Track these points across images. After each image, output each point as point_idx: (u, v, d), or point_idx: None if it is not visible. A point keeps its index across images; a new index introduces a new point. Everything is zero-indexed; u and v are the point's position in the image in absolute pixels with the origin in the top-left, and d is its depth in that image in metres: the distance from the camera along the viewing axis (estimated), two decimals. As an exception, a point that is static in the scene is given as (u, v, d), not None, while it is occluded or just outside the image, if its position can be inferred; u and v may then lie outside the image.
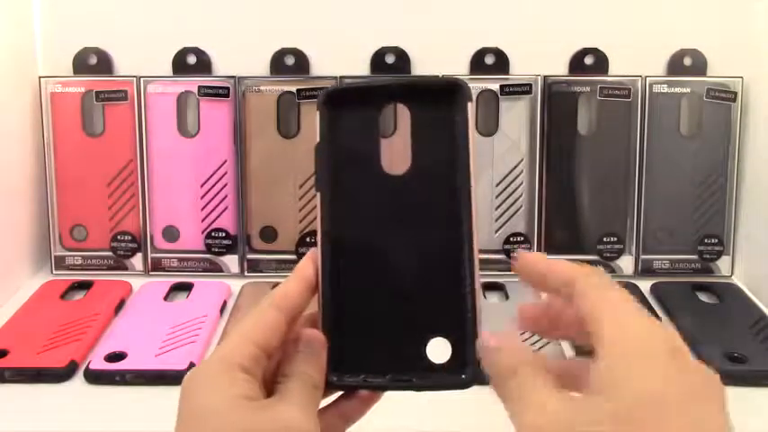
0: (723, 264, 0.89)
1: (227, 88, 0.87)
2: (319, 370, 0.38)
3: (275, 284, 0.82)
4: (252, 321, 0.38)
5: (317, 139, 0.40)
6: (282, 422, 0.35)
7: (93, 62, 0.90)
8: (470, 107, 0.39)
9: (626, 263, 0.88)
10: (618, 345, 0.32)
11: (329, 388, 0.39)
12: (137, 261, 0.89)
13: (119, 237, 0.89)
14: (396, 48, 0.89)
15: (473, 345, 0.38)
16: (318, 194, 0.40)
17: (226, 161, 0.88)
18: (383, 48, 0.89)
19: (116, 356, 0.69)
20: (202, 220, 0.89)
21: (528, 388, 0.34)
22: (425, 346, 0.39)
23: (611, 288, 0.35)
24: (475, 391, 0.38)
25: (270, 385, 0.38)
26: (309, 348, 0.38)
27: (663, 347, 0.32)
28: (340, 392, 0.40)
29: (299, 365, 0.37)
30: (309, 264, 0.40)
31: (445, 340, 0.39)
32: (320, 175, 0.40)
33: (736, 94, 0.87)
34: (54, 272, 0.89)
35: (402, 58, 0.89)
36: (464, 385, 0.38)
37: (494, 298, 0.83)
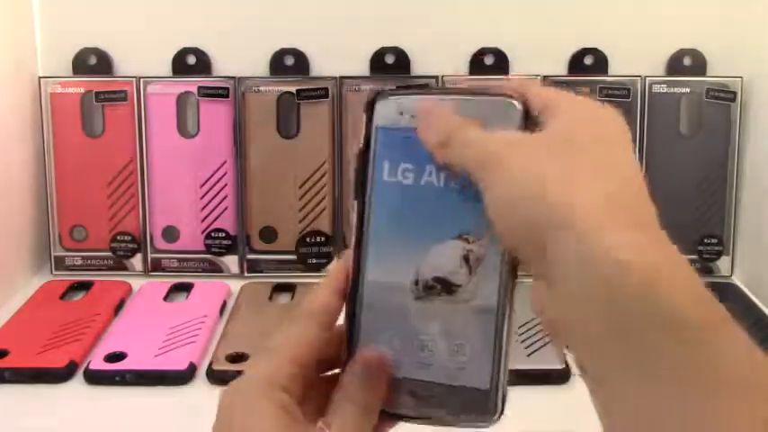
0: (723, 264, 0.89)
1: (227, 88, 0.87)
2: (377, 396, 0.36)
3: (275, 285, 0.84)
4: (296, 339, 0.36)
5: (360, 144, 0.37)
6: None
7: (92, 62, 0.90)
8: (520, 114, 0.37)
9: (626, 263, 0.88)
10: (563, 110, 0.36)
11: (392, 418, 0.37)
12: (136, 261, 0.89)
13: (118, 237, 0.88)
14: (396, 48, 0.89)
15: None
16: (356, 203, 0.37)
17: (226, 161, 0.88)
18: (383, 48, 0.89)
19: (116, 357, 0.69)
20: (202, 221, 0.89)
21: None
22: None
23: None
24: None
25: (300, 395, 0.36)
26: (368, 373, 0.36)
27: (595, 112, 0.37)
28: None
29: (357, 391, 0.36)
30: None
31: None
32: (361, 182, 0.37)
33: (735, 93, 0.87)
34: (54, 272, 0.89)
35: (402, 58, 0.89)
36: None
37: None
